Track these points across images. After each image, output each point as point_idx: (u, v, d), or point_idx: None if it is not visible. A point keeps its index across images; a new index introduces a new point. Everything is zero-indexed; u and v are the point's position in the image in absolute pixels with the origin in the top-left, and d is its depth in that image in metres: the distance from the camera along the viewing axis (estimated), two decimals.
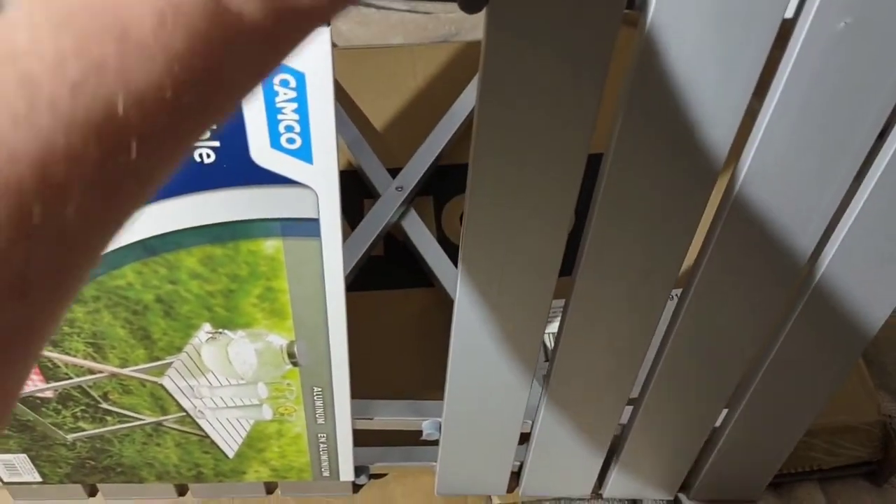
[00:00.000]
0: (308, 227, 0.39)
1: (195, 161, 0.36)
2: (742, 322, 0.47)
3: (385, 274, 0.71)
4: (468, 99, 0.79)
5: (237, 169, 0.36)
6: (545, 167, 0.37)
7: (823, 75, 0.33)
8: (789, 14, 0.32)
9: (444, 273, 0.68)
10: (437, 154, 0.75)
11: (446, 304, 0.68)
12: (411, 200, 0.73)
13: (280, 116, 0.34)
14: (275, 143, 0.35)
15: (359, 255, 0.68)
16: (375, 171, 0.74)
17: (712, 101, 0.34)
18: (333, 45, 0.32)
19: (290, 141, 0.35)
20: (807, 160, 0.37)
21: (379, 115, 0.81)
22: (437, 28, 0.92)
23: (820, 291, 0.44)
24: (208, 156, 0.35)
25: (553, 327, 0.49)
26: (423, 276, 0.70)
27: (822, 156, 0.37)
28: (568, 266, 0.43)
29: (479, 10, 0.31)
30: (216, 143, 0.35)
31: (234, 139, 0.35)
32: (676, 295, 0.46)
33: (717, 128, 0.35)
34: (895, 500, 0.62)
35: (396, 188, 0.72)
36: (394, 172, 0.74)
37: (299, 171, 0.36)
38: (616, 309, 0.46)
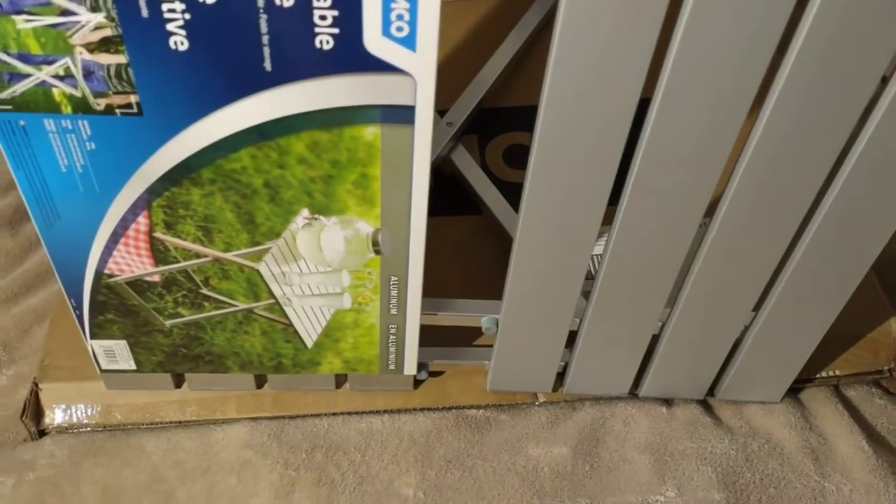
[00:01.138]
0: (404, 115, 0.45)
1: (315, 48, 0.41)
2: (768, 234, 0.52)
3: (435, 203, 0.76)
4: (507, 49, 0.85)
5: (350, 56, 0.42)
6: (604, 107, 0.43)
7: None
8: None
9: (492, 201, 0.73)
10: (480, 97, 0.81)
11: (492, 228, 0.74)
12: (459, 137, 0.78)
13: (394, 5, 0.40)
14: (386, 30, 0.41)
15: None
16: None
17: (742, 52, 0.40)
18: None
19: (399, 29, 0.41)
20: (832, 80, 0.43)
21: None
22: None
23: (839, 201, 0.50)
24: (328, 42, 0.41)
25: (599, 249, 0.55)
26: (468, 206, 0.76)
27: (847, 74, 0.42)
28: (614, 197, 0.50)
29: None
30: (336, 31, 0.41)
31: (352, 26, 0.40)
32: (706, 224, 0.52)
33: (752, 65, 0.41)
34: None
35: (447, 123, 0.77)
36: (441, 113, 0.80)
37: (403, 58, 0.42)
38: (656, 226, 0.52)
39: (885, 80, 0.44)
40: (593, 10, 0.40)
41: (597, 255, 0.62)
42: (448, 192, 0.77)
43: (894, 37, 0.41)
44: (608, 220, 0.52)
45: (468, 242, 0.74)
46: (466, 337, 0.67)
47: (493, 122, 0.82)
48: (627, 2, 0.39)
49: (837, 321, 0.59)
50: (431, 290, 0.56)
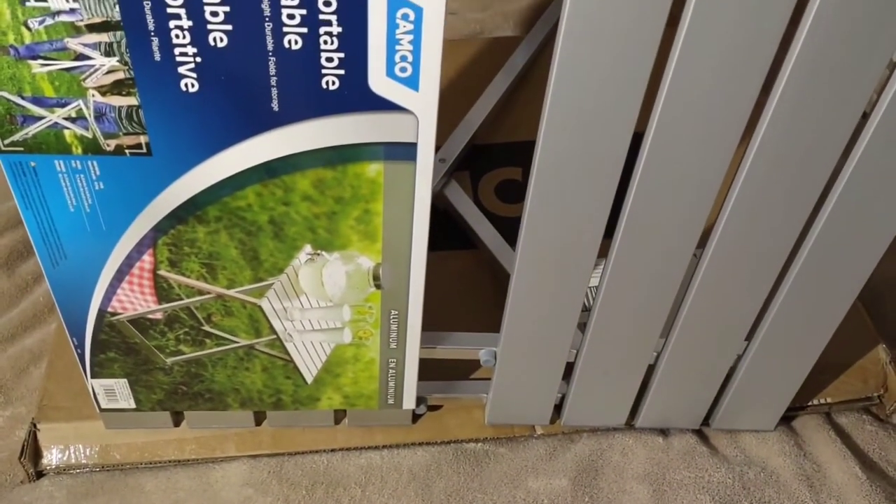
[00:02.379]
0: (407, 151, 0.46)
1: (322, 88, 0.43)
2: (758, 264, 0.54)
3: (430, 238, 0.78)
4: (496, 88, 0.87)
5: (355, 95, 0.43)
6: (599, 142, 0.45)
7: (836, 25, 0.41)
8: None
9: (486, 235, 0.75)
10: (471, 134, 0.83)
11: (486, 263, 0.75)
12: (452, 173, 0.80)
13: (398, 47, 0.41)
14: (390, 71, 0.42)
15: None
16: None
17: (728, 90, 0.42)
18: None
19: (403, 70, 0.42)
20: (817, 107, 0.45)
21: None
22: (464, 27, 1.00)
23: (826, 232, 0.52)
24: (333, 83, 0.42)
25: (595, 281, 0.57)
26: (461, 240, 0.77)
27: (830, 110, 0.44)
28: (609, 230, 0.52)
29: None
30: (342, 72, 0.42)
31: (357, 68, 0.42)
32: (699, 253, 0.54)
33: (740, 101, 0.43)
34: (895, 430, 0.69)
35: (440, 160, 0.79)
36: (434, 150, 0.81)
37: (406, 97, 0.43)
38: (650, 258, 0.53)
39: (865, 116, 0.46)
40: (589, 49, 0.42)
41: (592, 287, 0.64)
42: (441, 228, 0.78)
43: (873, 73, 0.43)
44: (603, 252, 0.53)
45: (462, 277, 0.75)
46: (464, 370, 0.68)
47: (484, 159, 0.84)
48: (621, 40, 0.41)
49: (827, 350, 0.61)
50: (426, 324, 0.57)
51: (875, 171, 0.48)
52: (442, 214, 0.79)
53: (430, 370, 0.63)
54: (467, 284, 0.74)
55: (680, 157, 0.47)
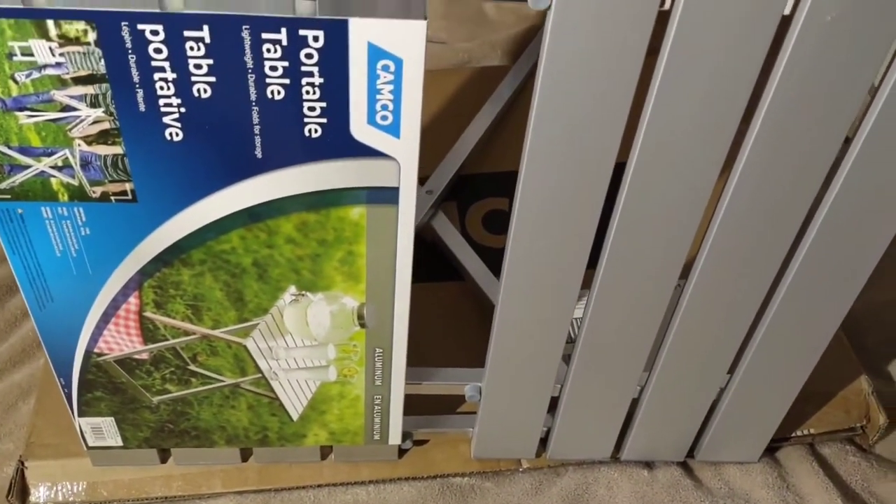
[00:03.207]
0: (389, 195, 0.47)
1: (304, 136, 0.43)
2: (740, 296, 0.55)
3: (417, 270, 0.78)
4: (483, 117, 0.88)
5: (338, 142, 0.44)
6: (582, 172, 0.46)
7: (813, 66, 0.42)
8: (787, 11, 0.40)
9: (472, 267, 0.75)
10: (459, 164, 0.84)
11: (473, 294, 0.75)
12: (439, 204, 0.81)
13: (378, 97, 0.42)
14: (371, 119, 0.43)
15: None
16: None
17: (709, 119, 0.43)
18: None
19: (384, 118, 0.43)
20: (795, 149, 0.45)
21: None
22: (451, 57, 1.01)
23: (807, 263, 0.53)
24: (316, 131, 0.43)
25: (579, 313, 0.57)
26: (449, 272, 0.78)
27: (810, 140, 0.45)
28: (592, 260, 0.52)
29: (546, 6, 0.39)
30: (324, 120, 0.43)
31: (339, 116, 0.43)
32: (681, 284, 0.55)
33: (719, 136, 0.44)
34: (877, 461, 0.70)
35: (427, 192, 0.80)
36: (420, 182, 0.82)
37: (388, 144, 0.44)
38: (632, 292, 0.54)
39: (847, 141, 0.46)
40: (569, 82, 0.42)
41: (577, 319, 0.64)
42: (429, 259, 0.79)
43: (854, 103, 0.43)
44: (587, 283, 0.54)
45: (450, 308, 0.75)
46: (450, 404, 0.68)
47: (471, 189, 0.85)
48: (601, 72, 0.42)
49: (810, 380, 0.62)
50: (413, 357, 0.58)
51: (856, 200, 0.48)
52: (430, 246, 0.80)
53: (416, 404, 0.63)
54: (455, 316, 0.75)
55: (662, 188, 0.48)
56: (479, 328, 0.70)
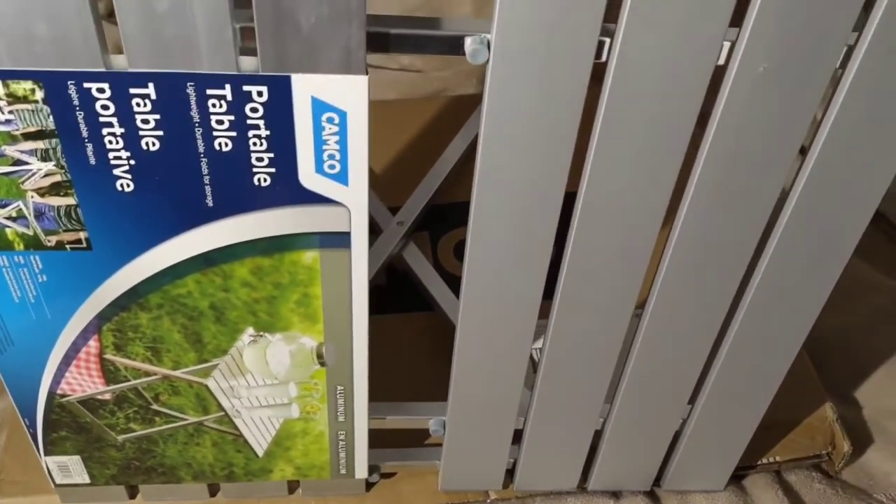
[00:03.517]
0: (341, 240, 0.47)
1: (254, 185, 0.44)
2: (696, 325, 0.55)
3: (388, 300, 0.79)
4: (457, 146, 0.89)
5: (287, 191, 0.45)
6: (531, 206, 0.47)
7: (748, 113, 0.42)
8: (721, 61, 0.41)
9: (442, 298, 0.76)
10: (431, 193, 0.85)
11: (443, 326, 0.76)
12: (410, 234, 0.82)
13: (325, 147, 0.43)
14: (319, 168, 0.44)
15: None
16: (378, 210, 0.83)
17: (658, 155, 0.44)
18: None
19: (332, 167, 0.44)
20: (739, 190, 0.46)
21: (379, 160, 0.90)
22: (426, 85, 1.02)
23: (759, 297, 0.53)
24: (265, 180, 0.44)
25: (539, 343, 0.58)
26: (421, 302, 0.78)
27: (749, 190, 0.46)
28: (549, 290, 0.53)
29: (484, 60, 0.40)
30: (273, 170, 0.44)
31: (287, 166, 0.43)
32: (639, 314, 0.55)
33: (662, 175, 0.45)
34: (843, 487, 0.70)
35: (398, 223, 0.81)
36: (393, 211, 0.83)
37: (337, 191, 0.45)
38: (589, 323, 0.54)
39: (803, 151, 0.46)
40: (511, 131, 0.43)
41: (539, 349, 0.65)
42: (401, 290, 0.79)
43: (789, 150, 0.44)
44: (547, 314, 0.54)
45: (420, 340, 0.76)
46: (419, 436, 0.69)
47: (444, 218, 0.86)
48: (542, 119, 0.42)
49: (775, 408, 0.62)
50: (382, 388, 0.58)
51: (803, 233, 0.49)
52: (401, 276, 0.80)
53: (384, 437, 0.64)
54: (425, 347, 0.75)
55: (612, 219, 0.48)
56: (450, 360, 0.71)
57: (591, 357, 0.57)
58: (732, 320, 0.56)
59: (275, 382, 0.56)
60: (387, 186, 0.87)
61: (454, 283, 0.79)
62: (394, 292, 0.80)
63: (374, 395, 0.59)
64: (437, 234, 0.85)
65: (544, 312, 0.54)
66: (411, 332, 0.77)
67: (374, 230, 0.82)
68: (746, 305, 0.54)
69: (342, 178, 0.44)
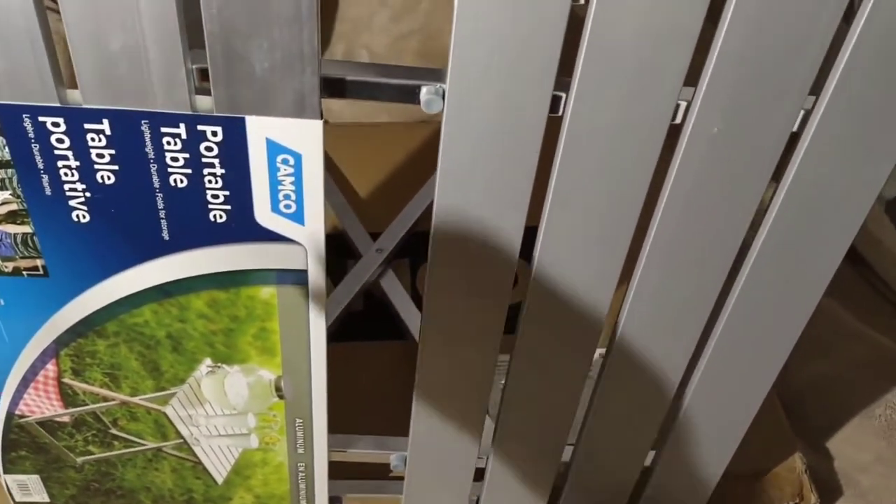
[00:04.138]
0: (298, 277, 0.47)
1: (209, 221, 0.44)
2: (658, 374, 0.55)
3: (363, 327, 0.79)
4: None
5: (243, 228, 0.45)
6: (493, 227, 0.46)
7: (703, 171, 0.42)
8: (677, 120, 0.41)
9: (416, 327, 0.76)
10: (413, 221, 0.85)
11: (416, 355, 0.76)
12: (389, 261, 0.82)
13: (280, 187, 0.43)
14: (275, 208, 0.44)
15: (340, 309, 0.76)
16: (358, 234, 0.83)
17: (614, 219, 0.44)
18: (326, 122, 0.41)
19: (287, 206, 0.44)
20: (697, 242, 0.46)
21: (364, 183, 0.91)
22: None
23: (724, 339, 0.53)
24: (221, 217, 0.44)
25: (503, 379, 0.58)
26: (397, 330, 0.78)
27: (706, 243, 0.46)
28: (511, 325, 0.52)
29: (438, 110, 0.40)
30: (228, 207, 0.44)
31: (243, 204, 0.44)
32: (601, 354, 0.55)
33: (619, 229, 0.45)
34: None
35: (377, 250, 0.81)
36: (375, 236, 0.83)
37: (293, 230, 0.45)
38: (551, 361, 0.54)
39: (777, 179, 0.46)
40: (466, 175, 0.43)
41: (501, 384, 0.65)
42: (378, 318, 0.79)
43: (753, 199, 0.44)
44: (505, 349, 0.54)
45: (394, 368, 0.76)
46: (383, 468, 0.68)
47: (424, 246, 0.85)
48: (502, 160, 0.42)
49: (744, 456, 0.61)
50: (350, 417, 0.58)
51: (766, 283, 0.49)
52: (378, 304, 0.80)
53: (347, 468, 0.64)
54: (398, 377, 0.75)
55: (570, 279, 0.48)
56: None
57: (554, 394, 0.57)
58: (697, 364, 0.55)
59: (233, 413, 0.55)
60: (370, 211, 0.87)
61: None
62: (370, 318, 0.80)
63: (340, 424, 0.58)
64: (417, 261, 0.84)
65: (507, 348, 0.54)
66: (385, 360, 0.77)
67: (353, 255, 0.82)
68: (709, 354, 0.54)
69: (298, 217, 0.44)
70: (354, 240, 0.82)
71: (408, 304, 0.78)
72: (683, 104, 0.40)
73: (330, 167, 0.91)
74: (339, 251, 0.83)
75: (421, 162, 0.94)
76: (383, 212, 0.87)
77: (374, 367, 0.76)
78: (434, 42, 1.04)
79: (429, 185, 0.88)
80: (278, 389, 0.54)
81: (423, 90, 0.40)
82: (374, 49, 1.00)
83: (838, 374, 0.78)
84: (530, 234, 0.47)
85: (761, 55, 0.38)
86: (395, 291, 0.79)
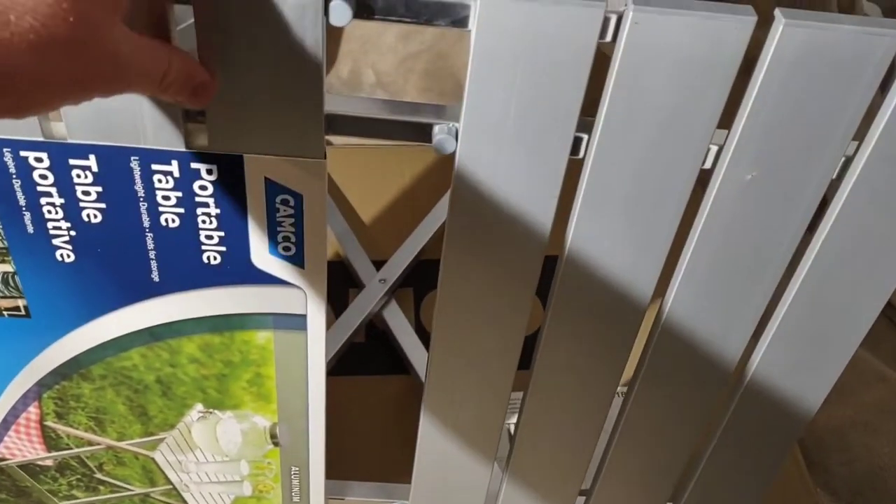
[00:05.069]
0: (296, 322, 0.44)
1: (203, 262, 0.41)
2: (681, 421, 0.52)
3: (365, 360, 0.76)
4: (445, 202, 0.86)
5: (239, 270, 0.42)
6: (507, 271, 0.44)
7: (734, 220, 0.39)
8: (707, 165, 0.38)
9: (419, 362, 0.73)
10: (419, 249, 0.82)
11: (421, 390, 0.73)
12: (393, 292, 0.79)
13: (279, 229, 0.40)
14: (272, 250, 0.41)
15: (341, 342, 0.73)
16: (361, 263, 0.80)
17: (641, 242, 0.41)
18: (329, 144, 0.38)
19: (286, 248, 0.41)
20: (725, 290, 0.43)
21: (367, 209, 0.88)
22: None
23: (749, 395, 0.50)
24: (215, 258, 0.41)
25: (514, 418, 0.54)
26: (400, 364, 0.75)
27: (737, 289, 0.43)
28: (526, 360, 0.49)
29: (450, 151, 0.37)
30: (223, 249, 0.41)
31: (239, 246, 0.41)
32: (622, 393, 0.52)
33: (643, 273, 0.42)
34: None
35: (380, 280, 0.78)
36: (378, 264, 0.80)
37: (292, 273, 0.42)
38: (568, 402, 0.51)
39: (811, 230, 0.43)
40: (480, 212, 0.40)
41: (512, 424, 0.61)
42: (380, 350, 0.76)
43: (786, 249, 0.41)
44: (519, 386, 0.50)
45: (396, 403, 0.73)
46: None
47: (430, 275, 0.83)
48: (518, 204, 0.39)
49: None
50: (349, 459, 0.55)
51: (798, 336, 0.46)
52: (381, 336, 0.77)
53: None
54: (400, 414, 0.72)
55: (589, 314, 0.45)
56: None
57: (570, 436, 0.53)
58: (723, 414, 0.52)
59: (226, 459, 0.52)
60: (374, 238, 0.84)
61: None
62: (373, 351, 0.77)
63: (338, 466, 0.55)
64: (421, 291, 0.81)
65: (519, 385, 0.50)
66: (387, 396, 0.73)
67: (357, 284, 0.79)
68: (734, 404, 0.51)
69: (297, 260, 0.42)
70: (357, 268, 0.79)
71: (411, 337, 0.75)
72: (714, 148, 0.37)
73: (333, 191, 0.88)
74: (341, 280, 0.80)
75: (428, 185, 0.91)
76: (388, 238, 0.84)
77: (375, 403, 0.73)
78: (443, 62, 1.01)
79: (435, 211, 0.85)
80: (273, 437, 0.51)
81: (436, 129, 0.37)
82: (380, 68, 0.98)
83: (861, 422, 0.74)
84: (549, 262, 0.43)
85: (801, 97, 0.35)
86: (399, 324, 0.76)
